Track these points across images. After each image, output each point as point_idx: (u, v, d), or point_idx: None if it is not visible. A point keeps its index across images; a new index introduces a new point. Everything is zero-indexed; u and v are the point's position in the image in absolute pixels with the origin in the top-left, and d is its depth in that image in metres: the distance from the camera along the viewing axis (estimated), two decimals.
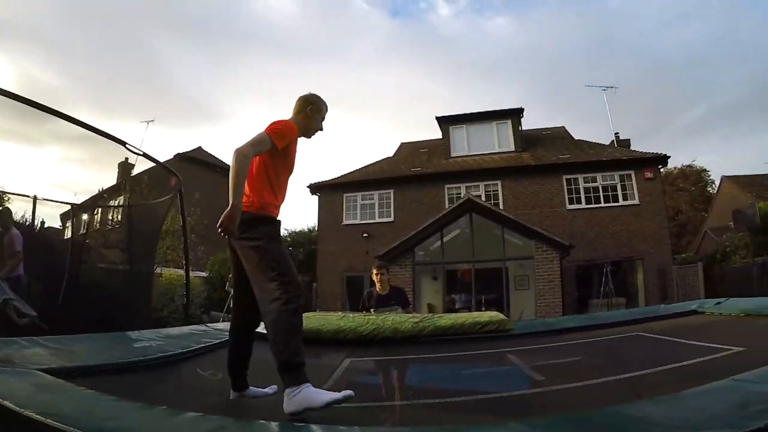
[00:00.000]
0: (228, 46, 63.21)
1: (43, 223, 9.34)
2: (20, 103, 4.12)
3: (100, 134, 5.62)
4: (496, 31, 68.96)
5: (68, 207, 10.06)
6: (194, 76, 56.90)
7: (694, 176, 31.65)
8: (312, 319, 4.47)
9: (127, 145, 6.18)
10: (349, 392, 2.03)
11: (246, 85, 65.06)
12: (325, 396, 2.05)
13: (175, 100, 57.60)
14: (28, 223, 8.45)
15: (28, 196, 8.53)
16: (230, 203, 2.22)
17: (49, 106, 4.45)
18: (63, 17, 48.33)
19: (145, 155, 6.82)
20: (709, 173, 31.48)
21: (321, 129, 2.82)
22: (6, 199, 8.84)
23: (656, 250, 15.35)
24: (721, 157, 56.13)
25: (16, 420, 1.25)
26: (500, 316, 4.76)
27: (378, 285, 5.68)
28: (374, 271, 5.75)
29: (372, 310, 5.44)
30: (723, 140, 55.73)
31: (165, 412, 1.52)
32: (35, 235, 8.50)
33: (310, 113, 2.74)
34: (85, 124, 5.20)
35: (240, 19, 63.73)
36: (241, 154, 2.30)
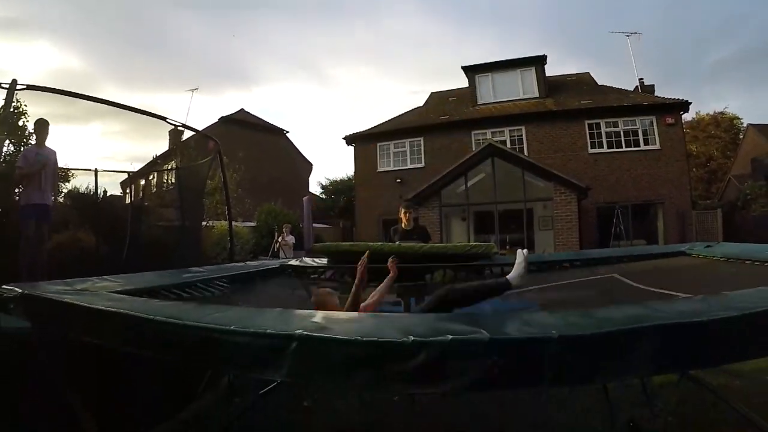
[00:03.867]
0: (245, 10, 63.02)
1: (105, 192, 10.21)
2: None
3: (141, 113, 6.45)
4: None
5: (126, 176, 11.24)
6: (218, 45, 57.48)
7: (726, 123, 31.01)
8: (344, 244, 5.62)
9: (167, 119, 7.12)
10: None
11: (273, 49, 65.18)
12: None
13: (206, 69, 58.55)
14: (92, 193, 9.39)
15: (89, 170, 9.38)
16: None
17: (84, 93, 5.25)
18: (73, 4, 49.34)
19: (183, 125, 7.69)
20: (741, 120, 30.68)
21: None
22: (71, 175, 9.63)
23: (676, 195, 15.78)
24: (753, 102, 53.59)
25: (92, 313, 1.85)
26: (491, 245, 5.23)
27: (404, 221, 6.14)
28: (401, 209, 6.25)
29: (397, 242, 5.91)
30: (752, 85, 53.00)
31: (195, 304, 2.29)
32: (99, 203, 9.49)
33: None
34: (126, 105, 6.03)
35: None
36: None
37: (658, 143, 16.14)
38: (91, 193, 9.37)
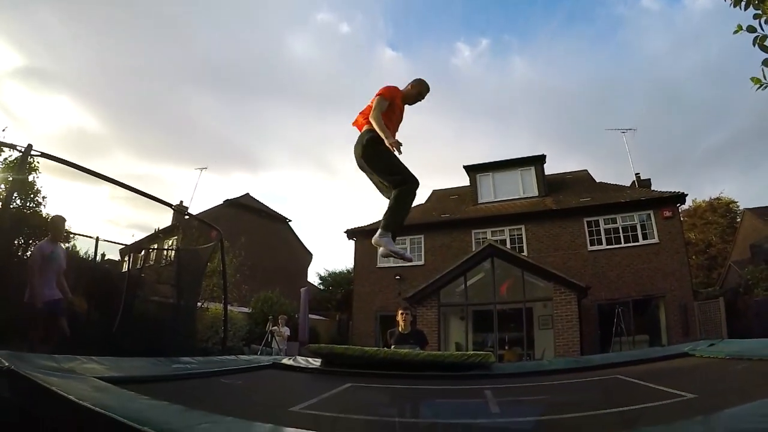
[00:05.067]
0: (258, 95, 66.19)
1: (103, 255, 10.30)
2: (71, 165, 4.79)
3: (148, 197, 6.38)
4: (517, 76, 70.18)
5: (127, 244, 11.28)
6: (227, 126, 59.90)
7: (723, 208, 31.26)
8: (339, 347, 5.45)
9: (172, 206, 7.21)
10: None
11: (282, 135, 67.83)
12: (393, 247, 3.73)
13: (216, 149, 60.62)
14: (90, 259, 9.40)
15: (90, 237, 9.44)
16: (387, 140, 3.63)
17: (97, 171, 5.18)
18: (104, 69, 52.08)
19: (189, 215, 7.93)
20: (737, 204, 30.97)
21: (418, 99, 4.18)
22: (73, 238, 9.43)
23: (677, 287, 15.57)
24: (748, 185, 54.98)
25: (77, 409, 1.72)
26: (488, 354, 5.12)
27: (401, 324, 6.16)
28: (399, 312, 6.30)
29: (392, 346, 5.86)
30: (746, 167, 54.67)
31: (180, 408, 2.03)
32: (96, 268, 9.50)
33: (411, 86, 4.13)
34: (134, 188, 5.99)
35: (267, 70, 66.73)
36: (375, 118, 3.71)
37: (656, 237, 16.20)
38: (89, 258, 9.38)
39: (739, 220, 28.20)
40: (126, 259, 11.15)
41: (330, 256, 73.71)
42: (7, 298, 5.67)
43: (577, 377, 4.57)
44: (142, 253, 11.52)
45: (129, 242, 11.18)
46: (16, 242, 7.37)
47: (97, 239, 9.40)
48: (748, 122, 50.79)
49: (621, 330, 14.56)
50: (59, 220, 6.08)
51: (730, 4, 2.89)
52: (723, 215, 31.02)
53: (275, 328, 13.49)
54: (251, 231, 21.38)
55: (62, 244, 6.19)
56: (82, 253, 9.63)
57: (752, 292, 16.03)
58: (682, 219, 18.13)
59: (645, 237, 16.39)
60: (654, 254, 16.06)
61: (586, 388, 4.15)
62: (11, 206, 6.50)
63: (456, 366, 4.69)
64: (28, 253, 6.92)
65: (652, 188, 19.18)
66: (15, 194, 6.98)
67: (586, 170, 21.57)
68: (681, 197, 16.62)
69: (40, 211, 8.38)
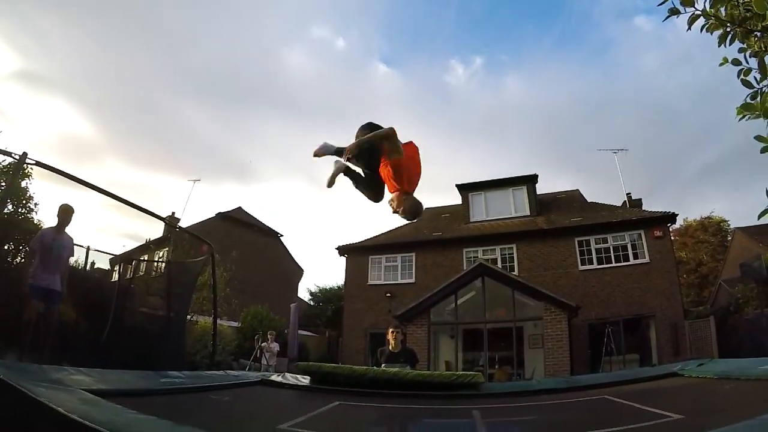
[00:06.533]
0: (251, 108, 66.54)
1: (93, 264, 10.24)
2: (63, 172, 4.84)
3: (140, 210, 6.46)
4: (509, 95, 71.02)
5: (117, 253, 11.23)
6: (220, 137, 60.04)
7: (713, 227, 31.55)
8: (328, 366, 5.43)
9: (163, 219, 7.23)
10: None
11: (268, 147, 68.04)
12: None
13: (208, 159, 60.71)
14: (81, 268, 9.35)
15: (81, 246, 9.30)
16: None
17: (91, 183, 5.24)
18: (96, 73, 52.28)
19: (181, 228, 7.94)
20: (728, 223, 31.26)
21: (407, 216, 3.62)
22: None
23: (667, 306, 15.65)
24: (738, 205, 55.54)
25: (65, 422, 1.73)
26: (478, 374, 5.16)
27: (391, 343, 6.18)
28: (390, 330, 6.33)
29: (383, 365, 5.85)
30: (736, 186, 55.29)
31: (168, 423, 2.02)
32: (86, 277, 9.50)
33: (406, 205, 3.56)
34: (127, 200, 6.04)
35: (262, 82, 67.17)
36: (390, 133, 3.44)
37: (647, 256, 16.30)
38: (79, 267, 9.29)
39: (729, 239, 28.41)
40: (116, 269, 11.05)
41: (321, 272, 73.39)
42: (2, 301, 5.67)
43: (565, 398, 4.56)
44: (133, 263, 11.43)
45: (119, 252, 11.06)
46: (6, 247, 7.26)
47: (88, 248, 9.45)
48: (738, 141, 51.45)
49: (611, 349, 14.59)
50: (67, 210, 6.04)
51: (717, 43, 2.94)
52: (714, 234, 31.34)
53: (264, 344, 13.39)
54: (242, 245, 21.34)
55: (69, 235, 6.14)
56: (71, 261, 9.56)
57: (742, 310, 16.05)
58: (673, 238, 18.38)
59: (636, 257, 16.50)
60: (644, 274, 16.16)
61: (573, 409, 4.14)
62: (4, 212, 6.49)
63: (445, 386, 4.68)
64: (18, 259, 6.85)
65: (643, 208, 19.37)
66: (8, 200, 6.96)
67: (578, 190, 21.77)
68: (671, 217, 16.80)
69: (32, 217, 8.35)
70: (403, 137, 3.51)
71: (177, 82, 59.64)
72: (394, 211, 3.55)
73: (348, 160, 3.55)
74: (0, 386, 2.00)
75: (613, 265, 16.64)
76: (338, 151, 3.70)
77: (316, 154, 3.88)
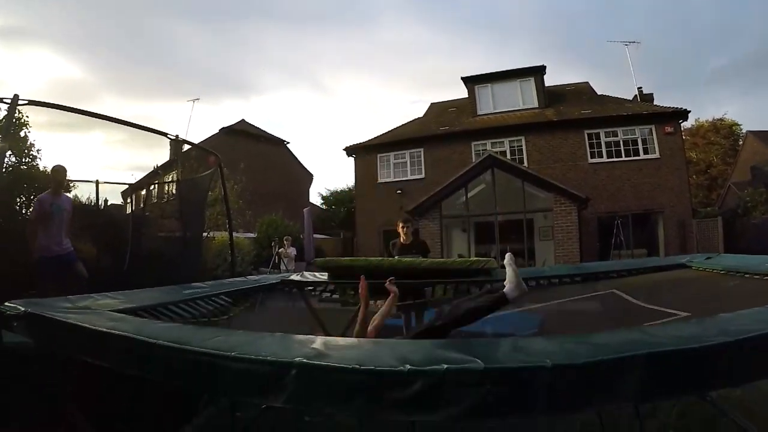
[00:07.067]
0: (244, 20, 63.69)
1: (106, 201, 10.13)
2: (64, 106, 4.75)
3: (143, 129, 6.19)
4: None
5: (128, 184, 11.14)
6: (217, 54, 58.05)
7: (725, 130, 30.99)
8: (344, 259, 5.54)
9: (168, 135, 7.10)
10: None
11: (271, 58, 65.73)
12: None
13: (205, 79, 59.14)
14: (93, 204, 9.27)
15: (91, 181, 9.26)
16: None
17: (84, 109, 5.08)
18: (77, 14, 49.90)
19: (184, 141, 7.77)
20: (740, 126, 30.76)
21: None
22: (73, 186, 9.19)
23: (676, 204, 15.81)
24: (752, 108, 53.82)
25: (94, 335, 1.88)
26: (491, 260, 5.41)
27: (402, 236, 6.33)
28: (399, 224, 6.44)
29: (396, 257, 5.95)
30: (750, 91, 53.42)
31: (192, 328, 2.23)
32: (101, 213, 9.44)
33: None
34: (129, 122, 5.84)
35: None
36: None
37: (657, 152, 16.19)
38: (92, 204, 9.30)
39: (741, 142, 28.05)
40: (129, 200, 11.12)
41: (331, 175, 73.57)
42: (13, 256, 5.66)
43: (574, 292, 4.56)
44: (144, 192, 11.48)
45: (130, 184, 11.05)
46: (18, 200, 7.23)
47: (97, 183, 9.25)
48: (754, 46, 49.03)
49: (620, 242, 14.86)
50: (60, 170, 5.94)
51: None
52: (725, 137, 30.82)
53: (282, 249, 13.74)
54: (249, 156, 21.24)
55: (66, 194, 6.10)
56: (84, 199, 9.45)
57: (750, 214, 16.21)
58: (683, 137, 17.95)
59: (646, 152, 16.37)
60: (654, 169, 16.12)
61: (582, 305, 4.21)
62: (7, 164, 6.40)
63: (459, 273, 4.69)
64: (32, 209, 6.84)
65: (655, 103, 18.77)
66: (9, 152, 6.83)
67: (587, 82, 21.18)
68: (683, 113, 16.42)
69: (37, 165, 8.27)
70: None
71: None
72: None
73: None
74: (30, 318, 2.13)
75: (623, 159, 16.55)
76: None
77: None
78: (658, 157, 16.13)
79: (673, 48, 56.37)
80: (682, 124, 16.91)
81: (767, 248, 11.97)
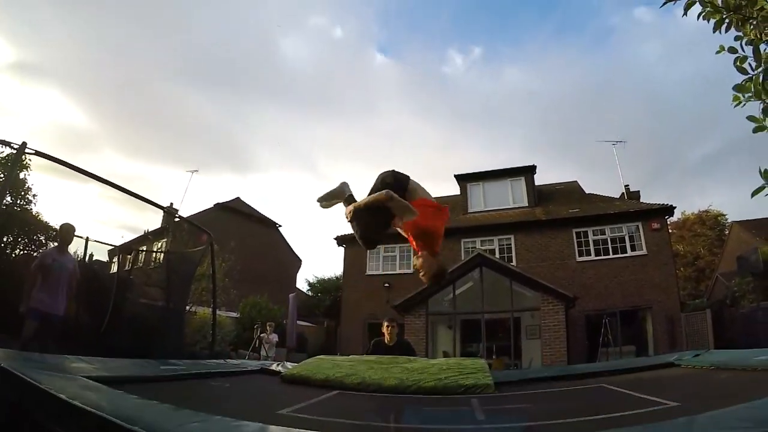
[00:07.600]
0: (249, 96, 66.22)
1: (91, 256, 10.04)
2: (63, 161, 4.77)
3: (141, 199, 6.34)
4: (508, 84, 70.87)
5: (116, 245, 11.03)
6: (218, 126, 59.76)
7: (711, 221, 31.49)
8: (309, 365, 4.88)
9: (163, 208, 7.17)
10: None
11: (266, 136, 67.83)
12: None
13: (205, 150, 60.53)
14: (80, 259, 9.08)
15: (81, 237, 9.21)
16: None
17: (90, 172, 5.14)
18: (90, 61, 51.89)
19: (180, 218, 7.89)
20: (726, 216, 31.23)
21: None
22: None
23: (664, 299, 15.73)
24: (736, 199, 55.61)
25: (67, 407, 1.76)
26: (484, 366, 4.85)
27: (386, 336, 6.13)
28: (384, 323, 6.24)
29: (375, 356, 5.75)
30: (735, 179, 55.37)
31: (169, 407, 2.05)
32: (85, 267, 9.11)
33: None
34: (128, 190, 5.91)
35: (259, 70, 66.78)
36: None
37: (644, 249, 16.37)
38: (78, 258, 9.12)
39: (727, 232, 28.43)
40: (115, 260, 11.02)
41: (319, 262, 73.36)
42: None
43: (562, 386, 4.53)
44: (131, 254, 11.41)
45: (118, 243, 11.00)
46: (5, 240, 7.29)
47: (87, 239, 9.33)
48: (738, 134, 51.37)
49: (608, 340, 14.63)
50: (68, 229, 5.98)
51: (713, 29, 3.00)
52: (711, 228, 31.23)
53: (263, 335, 13.44)
54: (241, 235, 21.35)
55: (72, 254, 6.09)
56: (71, 252, 9.51)
57: (738, 303, 16.17)
58: (670, 231, 18.39)
59: (633, 248, 16.56)
60: (642, 266, 16.21)
61: (571, 397, 4.14)
62: (2, 204, 6.41)
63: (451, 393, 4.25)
64: (17, 251, 6.79)
65: (641, 200, 19.35)
66: (7, 192, 6.87)
67: (576, 181, 21.78)
68: (669, 209, 16.87)
69: (30, 209, 8.29)
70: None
71: (173, 68, 59.19)
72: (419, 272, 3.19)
73: (350, 222, 3.14)
74: (3, 374, 2.03)
75: (611, 256, 16.69)
76: (348, 199, 3.24)
77: (322, 201, 3.38)
78: (646, 253, 16.28)
79: (660, 139, 58.71)
80: (668, 219, 17.24)
81: (756, 336, 11.96)
